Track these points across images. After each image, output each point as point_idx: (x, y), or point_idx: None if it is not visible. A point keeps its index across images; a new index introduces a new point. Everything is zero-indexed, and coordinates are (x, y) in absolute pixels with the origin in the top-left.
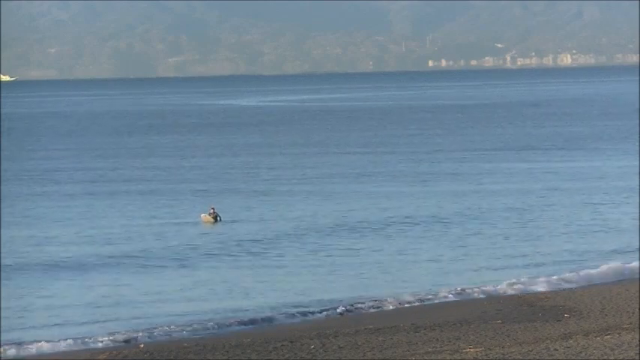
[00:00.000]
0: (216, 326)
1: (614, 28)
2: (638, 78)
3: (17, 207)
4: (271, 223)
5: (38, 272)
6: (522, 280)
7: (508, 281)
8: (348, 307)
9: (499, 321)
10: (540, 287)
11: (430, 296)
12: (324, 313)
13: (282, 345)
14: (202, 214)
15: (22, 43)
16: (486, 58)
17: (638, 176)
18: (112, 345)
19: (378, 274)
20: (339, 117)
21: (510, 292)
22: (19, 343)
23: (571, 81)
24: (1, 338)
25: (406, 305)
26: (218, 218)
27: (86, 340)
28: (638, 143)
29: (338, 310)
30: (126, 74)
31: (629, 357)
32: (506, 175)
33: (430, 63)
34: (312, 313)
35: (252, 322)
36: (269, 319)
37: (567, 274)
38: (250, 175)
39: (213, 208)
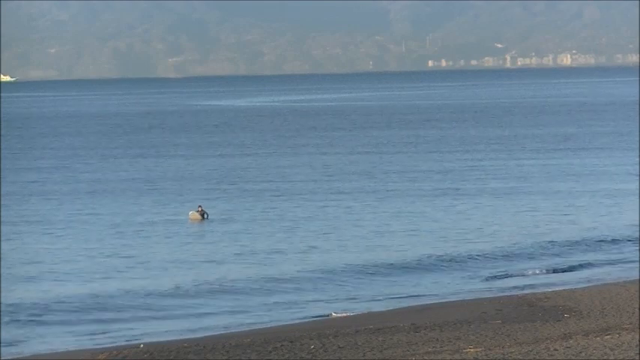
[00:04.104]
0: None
1: (614, 28)
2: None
3: (13, 209)
4: (259, 222)
5: (34, 269)
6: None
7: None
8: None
9: (499, 321)
10: (540, 287)
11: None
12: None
13: (282, 345)
14: (190, 212)
15: (22, 43)
16: (486, 58)
17: None
18: (112, 345)
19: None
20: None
21: (510, 292)
22: (19, 343)
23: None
24: (1, 338)
25: (406, 305)
26: (205, 215)
27: (86, 340)
28: None
29: None
30: (126, 74)
31: (629, 357)
32: None
33: (430, 63)
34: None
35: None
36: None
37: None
38: (244, 175)
39: (200, 206)
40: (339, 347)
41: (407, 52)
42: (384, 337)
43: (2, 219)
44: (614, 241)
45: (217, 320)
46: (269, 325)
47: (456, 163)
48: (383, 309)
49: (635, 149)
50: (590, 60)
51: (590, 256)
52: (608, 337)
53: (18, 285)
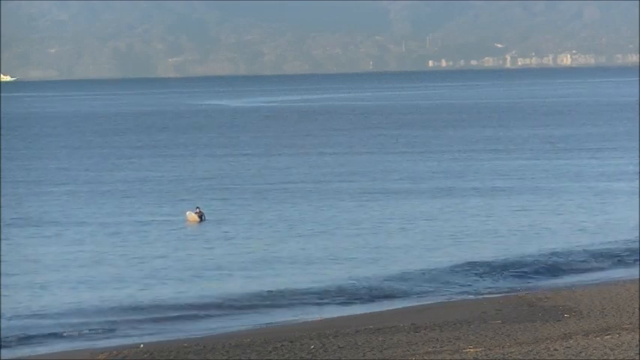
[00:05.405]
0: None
1: (614, 28)
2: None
3: (13, 209)
4: (258, 223)
5: (36, 269)
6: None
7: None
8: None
9: (499, 321)
10: (541, 287)
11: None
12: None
13: (282, 345)
14: (188, 212)
15: (22, 43)
16: (486, 58)
17: None
18: (111, 345)
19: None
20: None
21: (510, 292)
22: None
23: None
24: (1, 337)
25: (406, 305)
26: (203, 217)
27: (86, 340)
28: None
29: None
30: (126, 74)
31: (629, 357)
32: None
33: (430, 63)
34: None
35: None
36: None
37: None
38: (243, 175)
39: (198, 208)
40: (339, 347)
41: (407, 52)
42: (384, 337)
43: (2, 219)
44: (613, 240)
45: (217, 320)
46: (269, 325)
47: (456, 162)
48: (383, 309)
49: (635, 149)
50: (590, 60)
51: (589, 256)
52: (608, 337)
53: (17, 285)
